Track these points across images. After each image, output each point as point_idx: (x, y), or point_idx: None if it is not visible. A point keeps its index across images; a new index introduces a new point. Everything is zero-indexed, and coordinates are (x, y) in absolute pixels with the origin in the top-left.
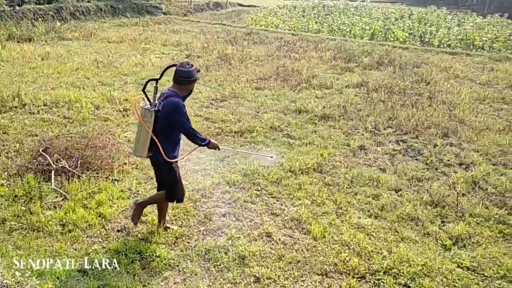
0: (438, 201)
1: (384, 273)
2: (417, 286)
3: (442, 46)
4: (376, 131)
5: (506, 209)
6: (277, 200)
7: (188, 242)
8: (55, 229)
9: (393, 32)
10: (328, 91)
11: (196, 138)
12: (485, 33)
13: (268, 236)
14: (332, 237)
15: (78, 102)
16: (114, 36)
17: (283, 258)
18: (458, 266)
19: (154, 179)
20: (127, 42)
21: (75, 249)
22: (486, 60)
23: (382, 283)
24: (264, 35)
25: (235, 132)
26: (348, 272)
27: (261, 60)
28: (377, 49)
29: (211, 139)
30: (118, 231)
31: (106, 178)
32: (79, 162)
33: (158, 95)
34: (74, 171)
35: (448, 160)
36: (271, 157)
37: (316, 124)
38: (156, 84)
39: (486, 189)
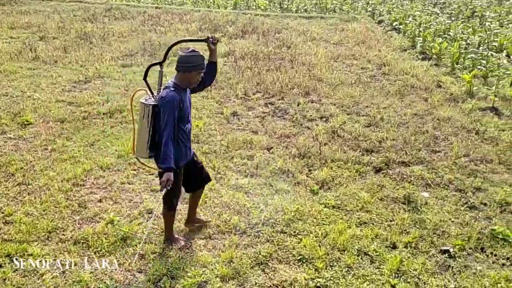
0: (305, 153)
1: (263, 224)
2: (292, 230)
3: (299, 11)
4: (246, 97)
5: (360, 151)
6: (156, 176)
7: (64, 235)
8: None
9: (255, 1)
10: None
11: (162, 153)
12: None
13: (150, 213)
14: (213, 201)
15: None
16: None
17: None
18: (325, 207)
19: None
20: None
21: None
22: (337, 21)
23: (261, 234)
24: (126, 10)
25: (103, 113)
26: (230, 230)
27: (125, 36)
28: (240, 18)
29: (172, 173)
30: None
31: None
32: None
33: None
34: None
35: (311, 116)
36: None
37: None
38: (161, 68)
39: (343, 136)
